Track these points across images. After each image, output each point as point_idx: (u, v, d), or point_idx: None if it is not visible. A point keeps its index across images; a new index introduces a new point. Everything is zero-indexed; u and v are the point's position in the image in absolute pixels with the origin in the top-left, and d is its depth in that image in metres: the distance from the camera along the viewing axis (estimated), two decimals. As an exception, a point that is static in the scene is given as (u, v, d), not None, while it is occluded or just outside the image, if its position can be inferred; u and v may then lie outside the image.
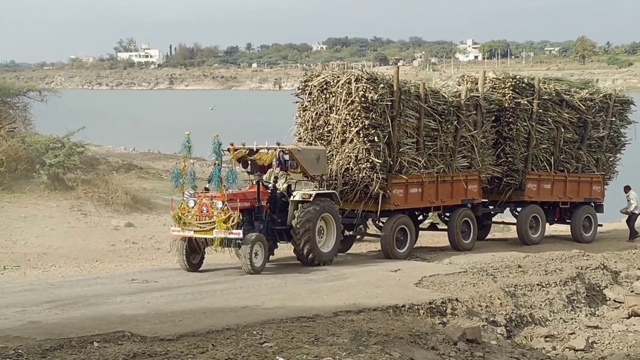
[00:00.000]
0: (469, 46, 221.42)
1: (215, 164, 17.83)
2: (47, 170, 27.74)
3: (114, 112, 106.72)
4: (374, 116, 19.47)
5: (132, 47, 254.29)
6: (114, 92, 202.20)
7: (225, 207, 17.15)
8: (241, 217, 17.30)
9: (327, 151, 19.84)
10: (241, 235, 17.11)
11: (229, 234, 17.07)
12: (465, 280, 17.66)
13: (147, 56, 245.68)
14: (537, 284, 18.81)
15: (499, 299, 17.14)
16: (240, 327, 12.85)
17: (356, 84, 19.53)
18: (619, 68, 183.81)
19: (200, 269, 18.07)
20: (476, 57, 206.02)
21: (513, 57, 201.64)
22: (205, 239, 17.39)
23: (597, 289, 20.20)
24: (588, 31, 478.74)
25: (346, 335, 12.98)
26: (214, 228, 17.13)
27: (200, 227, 17.28)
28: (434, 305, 15.54)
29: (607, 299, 19.96)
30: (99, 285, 16.37)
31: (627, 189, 25.36)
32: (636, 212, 25.30)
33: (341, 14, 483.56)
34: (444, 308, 15.64)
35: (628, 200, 25.25)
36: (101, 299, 14.82)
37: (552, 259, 20.82)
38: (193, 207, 17.42)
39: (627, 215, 25.56)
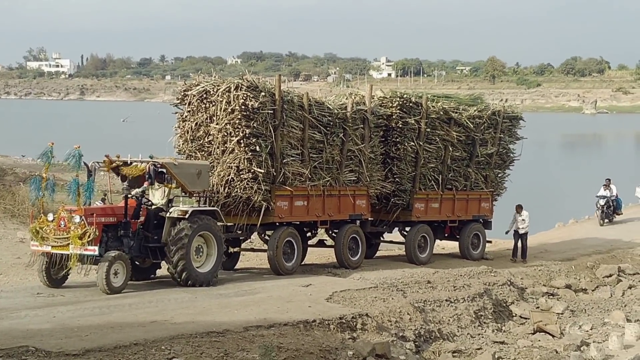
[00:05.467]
0: (383, 64, 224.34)
1: (76, 176, 17.04)
2: (-50, 181, 27.01)
3: (22, 122, 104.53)
4: (255, 125, 18.92)
5: (43, 57, 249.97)
6: (22, 101, 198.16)
7: (82, 222, 16.47)
8: (98, 233, 16.48)
9: (210, 165, 19.17)
10: (97, 252, 16.39)
11: (85, 250, 16.27)
12: (376, 295, 17.76)
13: (57, 66, 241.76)
14: (446, 300, 19.04)
15: (408, 314, 17.30)
16: (148, 342, 12.68)
17: (236, 92, 18.96)
18: (527, 88, 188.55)
19: (64, 284, 17.23)
20: (389, 74, 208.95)
21: (425, 75, 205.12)
22: (63, 254, 16.55)
23: (504, 305, 20.55)
24: (498, 51, 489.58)
25: (256, 351, 12.94)
26: (69, 243, 16.38)
27: (57, 242, 16.47)
28: (344, 321, 15.57)
29: (514, 314, 20.32)
30: (2, 299, 15.96)
31: (520, 208, 25.31)
32: (528, 230, 25.50)
33: (256, 28, 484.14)
34: (354, 323, 15.70)
35: (524, 220, 25.16)
36: (5, 313, 14.47)
37: (461, 275, 21.08)
38: (52, 221, 16.69)
39: (517, 235, 25.47)
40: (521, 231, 25.31)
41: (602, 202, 32.85)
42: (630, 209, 36.37)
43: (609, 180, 33.51)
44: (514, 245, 25.66)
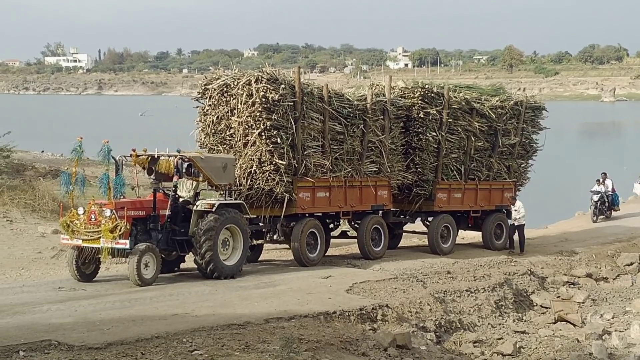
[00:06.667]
0: (400, 54, 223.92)
1: (106, 170, 17.33)
2: (-29, 176, 27.15)
3: (41, 117, 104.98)
4: (275, 117, 18.98)
5: (60, 52, 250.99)
6: (41, 97, 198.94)
7: (113, 216, 16.64)
8: (128, 227, 16.67)
9: (236, 159, 19.23)
10: (128, 245, 16.56)
11: (116, 243, 16.48)
12: (396, 286, 17.77)
13: (75, 61, 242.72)
14: (466, 290, 19.03)
15: (428, 304, 17.30)
16: (170, 335, 12.73)
17: (256, 84, 19.01)
18: (545, 77, 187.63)
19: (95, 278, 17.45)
20: (406, 64, 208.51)
21: (442, 65, 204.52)
22: (93, 248, 16.78)
23: (525, 294, 20.51)
24: (515, 40, 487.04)
25: (277, 342, 12.96)
26: (100, 237, 16.58)
27: (88, 236, 16.69)
28: (364, 312, 15.59)
29: (534, 304, 20.28)
30: (24, 294, 16.06)
31: (512, 199, 24.80)
32: (523, 222, 24.88)
33: (272, 20, 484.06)
34: (375, 314, 15.71)
35: (516, 210, 24.56)
36: (27, 308, 14.55)
37: (481, 265, 21.07)
38: (82, 215, 16.89)
39: (513, 227, 24.88)
40: (516, 223, 24.79)
41: (595, 197, 31.40)
42: (626, 204, 35.32)
43: (605, 174, 32.13)
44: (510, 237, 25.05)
